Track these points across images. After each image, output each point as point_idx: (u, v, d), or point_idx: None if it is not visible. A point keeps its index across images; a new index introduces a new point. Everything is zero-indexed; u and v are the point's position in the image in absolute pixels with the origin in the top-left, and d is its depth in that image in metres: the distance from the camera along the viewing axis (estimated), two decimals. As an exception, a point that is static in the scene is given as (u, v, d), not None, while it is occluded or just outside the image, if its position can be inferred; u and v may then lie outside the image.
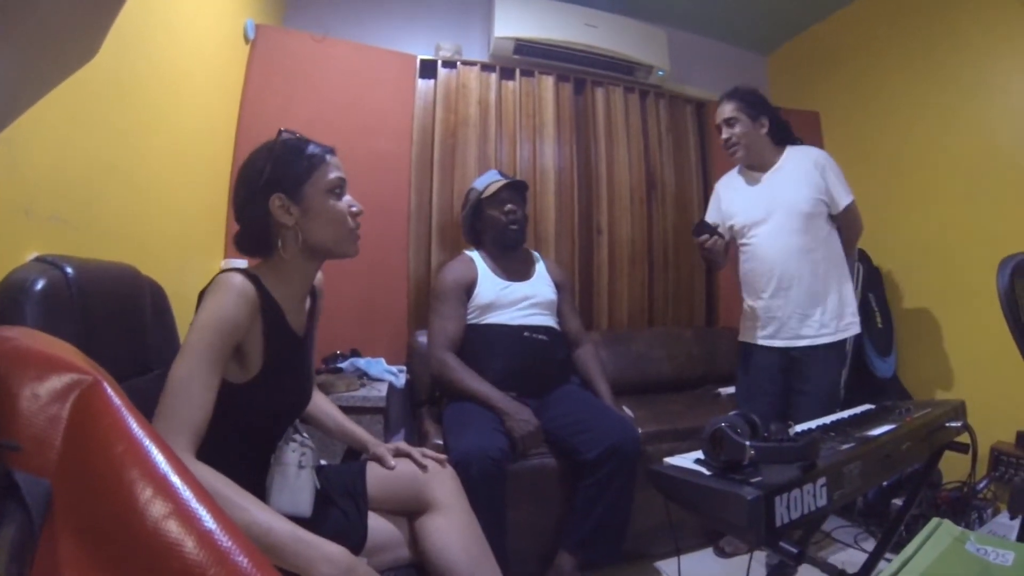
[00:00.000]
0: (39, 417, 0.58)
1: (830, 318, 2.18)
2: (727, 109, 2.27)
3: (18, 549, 0.44)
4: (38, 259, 1.11)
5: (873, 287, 2.35)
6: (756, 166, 2.28)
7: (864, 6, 3.36)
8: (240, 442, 1.18)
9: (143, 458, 0.59)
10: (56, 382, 0.61)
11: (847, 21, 3.50)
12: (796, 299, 2.18)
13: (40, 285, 1.03)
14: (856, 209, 2.27)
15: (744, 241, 2.30)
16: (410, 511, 1.36)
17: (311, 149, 1.28)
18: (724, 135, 2.28)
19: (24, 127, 1.17)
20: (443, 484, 1.37)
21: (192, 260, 1.96)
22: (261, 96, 2.67)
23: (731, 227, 2.32)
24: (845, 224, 2.28)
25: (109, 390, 0.63)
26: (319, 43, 2.85)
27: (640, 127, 3.49)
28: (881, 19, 3.24)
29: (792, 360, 2.21)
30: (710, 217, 2.40)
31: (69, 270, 1.10)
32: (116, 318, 1.23)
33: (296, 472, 1.24)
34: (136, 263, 1.41)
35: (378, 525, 1.33)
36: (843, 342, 2.21)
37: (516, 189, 2.45)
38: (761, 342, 2.26)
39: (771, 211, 2.18)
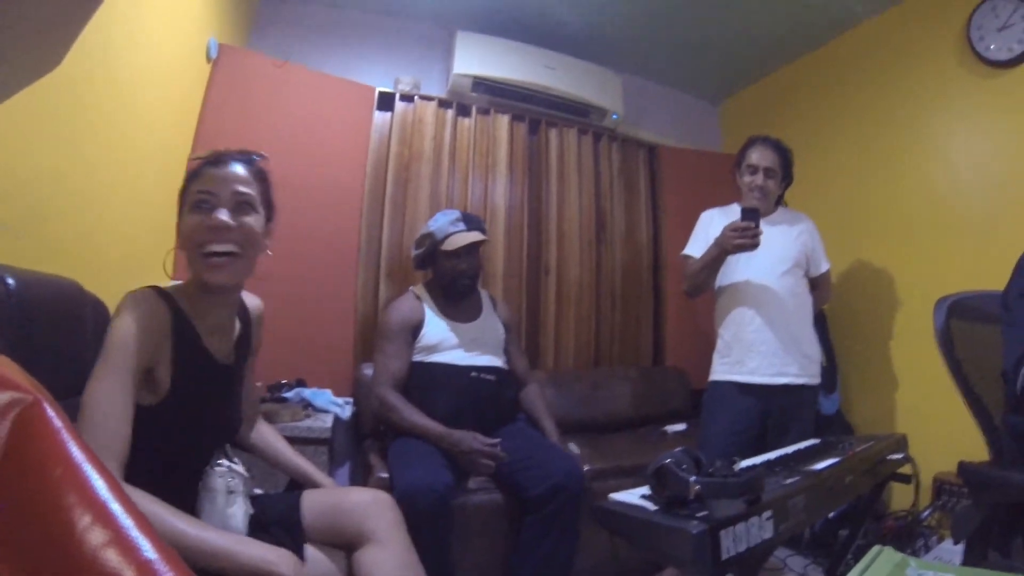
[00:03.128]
0: None
1: (808, 362, 2.27)
2: (769, 158, 2.34)
3: None
4: None
5: (817, 326, 2.43)
6: None
7: (814, 60, 3.51)
8: (162, 468, 1.10)
9: (82, 483, 0.56)
10: None
11: (796, 74, 3.65)
12: (780, 336, 2.23)
13: None
14: (830, 278, 2.46)
15: (731, 275, 2.34)
16: (347, 543, 1.29)
17: (204, 161, 1.20)
18: (759, 181, 2.33)
19: None
20: (382, 515, 1.31)
21: (138, 278, 1.90)
22: (219, 116, 2.62)
23: None
24: (819, 287, 2.44)
25: (50, 410, 0.60)
26: (279, 68, 2.83)
27: (592, 169, 3.54)
28: (829, 72, 3.38)
29: (770, 402, 2.23)
30: (697, 245, 2.41)
31: (10, 281, 1.05)
32: (56, 334, 1.17)
33: (225, 497, 1.17)
34: (79, 278, 1.34)
35: (314, 557, 1.26)
36: (816, 389, 2.30)
37: (476, 244, 2.36)
38: (738, 378, 2.26)
39: (764, 251, 2.17)
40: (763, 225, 2.19)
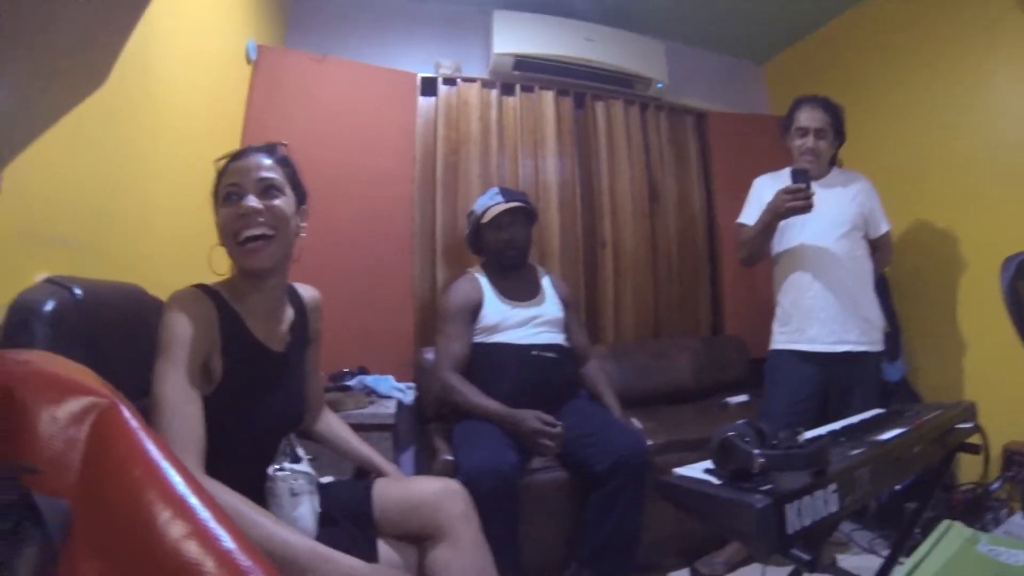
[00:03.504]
0: (57, 440, 0.59)
1: (870, 328, 2.21)
2: (819, 118, 2.27)
3: (39, 570, 0.44)
4: (47, 280, 1.12)
5: (879, 290, 2.36)
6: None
7: (860, 13, 3.36)
8: (225, 460, 1.13)
9: (160, 480, 0.59)
10: (74, 405, 0.61)
11: (843, 28, 3.51)
12: (840, 301, 2.19)
13: (49, 306, 1.04)
14: (891, 239, 2.37)
15: (787, 240, 2.30)
16: (418, 537, 1.31)
17: (230, 158, 1.27)
18: (809, 143, 2.27)
19: (30, 151, 1.18)
20: (452, 508, 1.32)
21: (197, 280, 2.00)
22: (264, 116, 2.68)
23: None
24: (879, 249, 2.37)
25: (126, 413, 0.63)
26: (319, 63, 2.87)
27: (641, 139, 3.50)
28: (879, 25, 3.25)
29: (832, 370, 2.19)
30: (750, 213, 2.37)
31: (77, 291, 1.11)
32: (123, 338, 1.23)
33: (290, 500, 1.21)
34: (142, 283, 1.41)
35: (384, 554, 1.29)
36: (879, 355, 2.24)
37: (515, 213, 2.42)
38: (799, 347, 2.24)
39: (819, 214, 2.14)
40: (817, 187, 2.15)
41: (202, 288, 1.19)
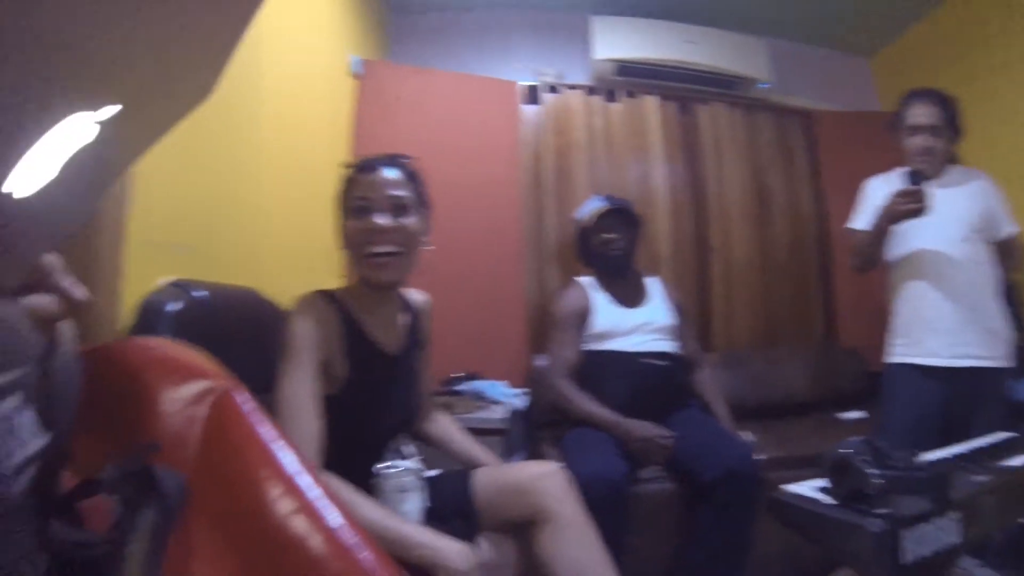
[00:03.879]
0: (178, 418, 0.63)
1: (996, 341, 2.06)
2: (932, 114, 2.12)
3: (156, 532, 0.49)
4: (171, 284, 1.22)
5: (1007, 300, 2.19)
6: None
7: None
8: (341, 456, 1.17)
9: (273, 459, 0.63)
10: (193, 387, 0.66)
11: (957, 11, 3.31)
12: (961, 311, 2.05)
13: (173, 307, 1.13)
14: (1018, 242, 2.18)
15: (903, 246, 2.17)
16: (519, 523, 1.31)
17: (356, 168, 1.31)
18: (922, 143, 2.13)
19: (147, 162, 1.31)
20: (554, 488, 1.32)
21: (310, 284, 2.13)
22: (371, 127, 2.80)
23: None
24: (1005, 253, 2.19)
25: (242, 396, 0.67)
26: (422, 75, 2.97)
27: (747, 142, 3.43)
28: (994, 6, 3.04)
29: (953, 386, 2.05)
30: (863, 217, 2.26)
31: (198, 294, 1.21)
32: (240, 338, 1.30)
33: (398, 497, 1.25)
34: (258, 287, 1.52)
35: (487, 548, 1.28)
36: (1006, 371, 2.08)
37: (615, 215, 2.44)
38: (918, 361, 2.10)
39: (937, 217, 2.01)
40: (933, 188, 2.03)
41: (324, 294, 1.26)
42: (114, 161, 0.58)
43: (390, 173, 1.29)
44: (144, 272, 1.27)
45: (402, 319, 1.43)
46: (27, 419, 0.29)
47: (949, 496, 0.89)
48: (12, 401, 0.28)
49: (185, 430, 0.63)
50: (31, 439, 0.29)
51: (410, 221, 1.28)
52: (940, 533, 0.85)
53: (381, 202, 1.26)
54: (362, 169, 1.30)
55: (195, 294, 1.20)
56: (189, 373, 0.69)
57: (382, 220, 1.24)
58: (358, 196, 1.27)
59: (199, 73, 0.59)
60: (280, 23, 1.95)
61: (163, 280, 1.25)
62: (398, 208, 1.27)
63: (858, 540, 0.83)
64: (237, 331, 1.31)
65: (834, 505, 0.93)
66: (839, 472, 0.94)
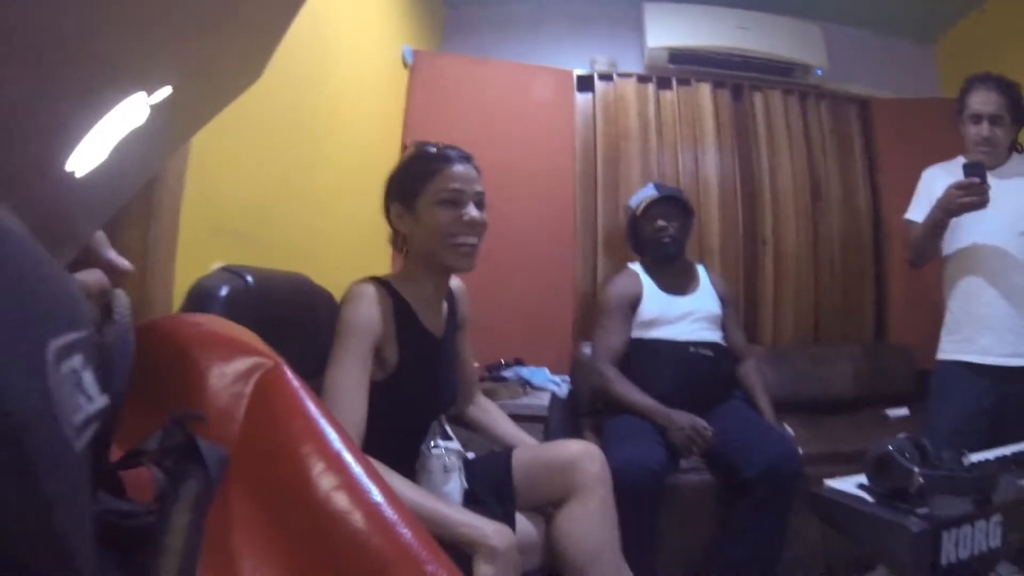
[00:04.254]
0: (224, 393, 0.64)
1: None
2: (993, 101, 2.04)
3: (199, 501, 0.50)
4: (223, 268, 1.25)
5: None
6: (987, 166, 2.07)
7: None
8: (386, 439, 1.20)
9: (318, 435, 0.63)
10: (241, 364, 0.67)
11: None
12: (1019, 309, 1.97)
13: (224, 291, 1.16)
14: None
15: (959, 239, 2.10)
16: (554, 501, 1.33)
17: (431, 160, 1.33)
18: (984, 132, 2.05)
19: (212, 154, 1.35)
20: (590, 467, 1.33)
21: (360, 271, 2.18)
22: (423, 116, 2.84)
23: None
24: None
25: (289, 373, 0.68)
26: (476, 64, 3.01)
27: (802, 131, 3.37)
28: None
29: (1007, 386, 1.98)
30: (920, 208, 2.18)
31: (249, 279, 1.23)
32: (291, 323, 1.34)
33: (442, 477, 1.29)
34: (309, 273, 1.55)
35: (522, 527, 1.32)
36: None
37: (667, 203, 2.44)
38: (969, 358, 2.04)
39: (995, 210, 1.93)
40: (993, 178, 1.95)
41: (378, 281, 1.31)
42: (163, 142, 0.59)
43: (472, 168, 1.36)
44: (198, 258, 1.32)
45: (445, 304, 1.48)
46: (90, 378, 0.29)
47: (992, 499, 0.88)
48: (78, 359, 0.28)
49: (231, 406, 0.64)
50: (93, 399, 0.29)
51: (486, 215, 1.36)
52: (981, 536, 0.84)
53: (472, 196, 1.32)
54: (448, 160, 1.34)
55: (246, 279, 1.23)
56: (238, 349, 0.69)
57: (475, 213, 1.31)
58: (451, 188, 1.31)
59: (248, 57, 0.59)
60: (336, 14, 1.99)
61: (215, 265, 1.28)
62: (480, 202, 1.34)
63: (897, 539, 0.82)
64: (287, 317, 1.35)
65: (875, 503, 0.92)
66: (882, 469, 0.93)
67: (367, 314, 1.23)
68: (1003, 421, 1.97)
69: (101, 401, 0.31)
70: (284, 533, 0.59)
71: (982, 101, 2.05)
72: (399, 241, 1.40)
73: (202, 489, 0.49)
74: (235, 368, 0.66)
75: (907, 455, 0.91)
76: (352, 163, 2.20)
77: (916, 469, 0.88)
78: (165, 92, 0.44)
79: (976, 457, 1.16)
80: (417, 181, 1.33)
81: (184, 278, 1.24)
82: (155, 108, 0.44)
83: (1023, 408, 1.96)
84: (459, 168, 1.33)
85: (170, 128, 0.56)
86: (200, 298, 1.15)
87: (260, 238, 1.61)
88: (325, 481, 0.60)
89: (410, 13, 2.89)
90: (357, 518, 0.59)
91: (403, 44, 2.80)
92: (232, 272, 1.24)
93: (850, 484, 1.01)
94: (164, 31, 0.42)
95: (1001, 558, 0.90)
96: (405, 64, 2.84)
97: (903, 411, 2.84)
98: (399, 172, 1.39)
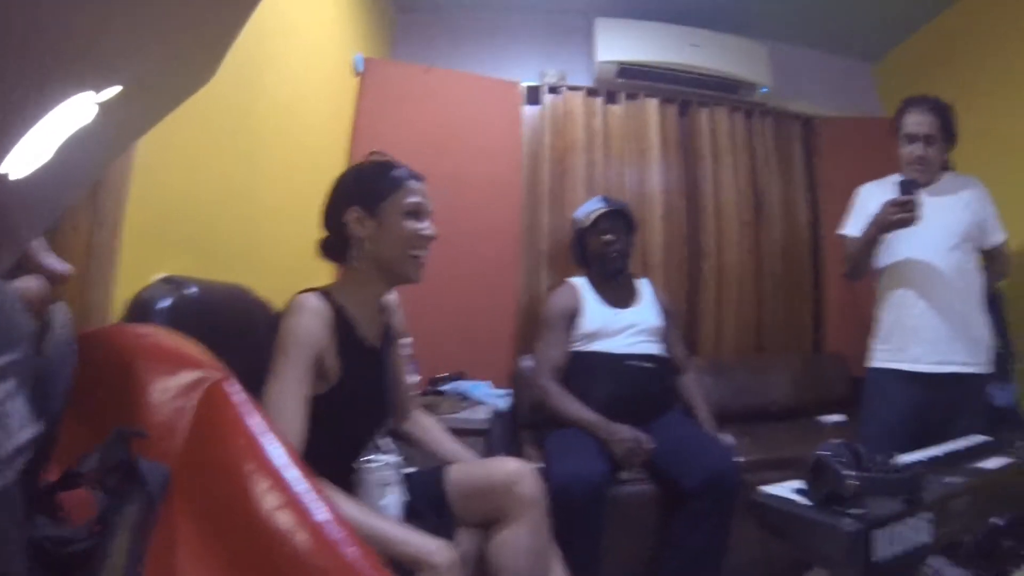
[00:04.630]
0: (167, 407, 0.63)
1: (978, 348, 2.08)
2: (927, 123, 2.13)
3: (139, 525, 0.45)
4: (164, 279, 1.24)
5: (991, 307, 2.21)
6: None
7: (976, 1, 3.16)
8: (326, 453, 1.18)
9: (262, 453, 0.63)
10: (185, 377, 0.66)
11: (957, 19, 3.30)
12: (946, 319, 2.06)
13: (165, 303, 1.15)
14: (1007, 250, 2.21)
15: (893, 254, 2.19)
16: (489, 520, 1.33)
17: (397, 171, 1.36)
18: (918, 151, 2.14)
19: (156, 158, 1.32)
20: (524, 489, 1.32)
21: (301, 283, 2.12)
22: (372, 125, 2.81)
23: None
24: (993, 261, 2.21)
25: (234, 387, 0.67)
26: (426, 74, 2.98)
27: (746, 147, 3.44)
28: (999, 12, 3.02)
29: (935, 392, 2.07)
30: (856, 224, 2.25)
31: (191, 290, 1.22)
32: (231, 336, 1.29)
33: (380, 490, 1.28)
34: (251, 284, 1.54)
35: (461, 539, 1.32)
36: (987, 378, 2.11)
37: (615, 217, 2.46)
38: (900, 366, 2.12)
39: (927, 226, 2.02)
40: (926, 196, 2.03)
41: (320, 293, 1.29)
42: (110, 144, 0.57)
43: (424, 184, 1.39)
44: (141, 266, 1.29)
45: (380, 315, 1.48)
46: (20, 406, 0.28)
47: (922, 497, 0.91)
48: (5, 387, 0.27)
49: (173, 421, 0.63)
50: (22, 428, 0.28)
51: None
52: (912, 533, 0.87)
53: (428, 210, 1.37)
54: (412, 175, 1.38)
55: (186, 291, 1.22)
56: (182, 362, 0.69)
57: (432, 229, 1.36)
58: (416, 201, 1.35)
59: (199, 59, 0.58)
60: (285, 20, 1.97)
61: (157, 275, 1.27)
62: (431, 217, 1.39)
63: (831, 540, 0.84)
64: (227, 329, 1.31)
65: (810, 506, 0.94)
66: (817, 474, 0.95)
67: (309, 327, 1.21)
68: (931, 424, 2.06)
69: (33, 429, 0.30)
70: (227, 552, 0.58)
71: (917, 122, 2.14)
72: (336, 248, 1.39)
73: (143, 511, 0.49)
74: (179, 381, 0.66)
75: (841, 460, 0.93)
76: (298, 171, 2.16)
77: (849, 473, 0.90)
78: (114, 91, 0.43)
79: (906, 459, 1.20)
80: (383, 187, 1.34)
81: (124, 288, 1.21)
82: (103, 108, 0.42)
83: (949, 412, 2.05)
84: (419, 184, 1.37)
85: (118, 129, 0.55)
86: (142, 309, 1.13)
87: (203, 246, 1.58)
88: (269, 500, 0.60)
89: (362, 20, 2.86)
90: (302, 537, 0.59)
91: (354, 51, 2.78)
92: (172, 283, 1.22)
93: (787, 489, 1.03)
94: (114, 27, 0.41)
95: (932, 552, 0.93)
96: (356, 72, 2.81)
97: (839, 417, 2.91)
98: (361, 175, 1.39)
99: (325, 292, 1.31)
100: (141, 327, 0.86)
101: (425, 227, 1.35)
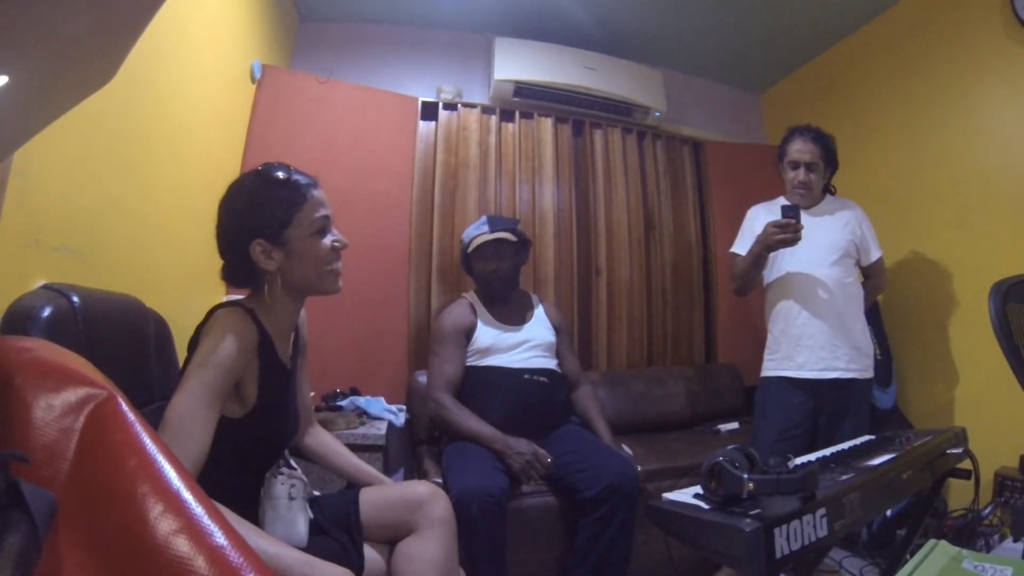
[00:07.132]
0: (52, 428, 0.59)
1: (859, 355, 2.22)
2: (809, 151, 2.29)
3: (22, 558, 0.43)
4: (45, 287, 1.13)
5: (870, 318, 2.38)
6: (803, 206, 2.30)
7: (854, 42, 3.41)
8: (231, 477, 1.16)
9: (155, 473, 0.59)
10: (72, 395, 0.62)
11: (837, 58, 3.55)
12: (829, 328, 2.20)
13: (46, 312, 1.04)
14: (884, 265, 2.40)
15: (778, 269, 2.33)
16: (399, 535, 1.33)
17: (291, 185, 1.24)
18: (801, 177, 2.30)
19: (37, 159, 1.21)
20: (435, 509, 1.34)
21: (195, 294, 1.96)
22: (266, 134, 2.72)
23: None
24: (872, 276, 2.42)
25: (124, 405, 0.63)
26: (323, 84, 2.91)
27: (638, 167, 3.53)
28: (871, 54, 3.28)
29: (821, 397, 2.21)
30: (743, 242, 2.39)
31: (75, 299, 1.12)
32: (120, 348, 1.24)
33: (287, 504, 1.23)
34: (141, 295, 1.43)
35: (371, 556, 1.31)
36: (869, 383, 2.26)
37: (500, 243, 2.42)
38: (788, 374, 2.25)
39: (810, 244, 2.16)
40: (809, 216, 2.20)
41: (243, 308, 1.19)
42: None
43: (321, 189, 1.31)
44: (16, 274, 1.19)
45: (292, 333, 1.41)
46: None
47: (816, 495, 0.93)
48: None
49: (60, 442, 0.58)
50: None
51: None
52: (809, 529, 0.88)
53: (332, 217, 1.30)
54: (309, 185, 1.27)
55: (71, 298, 1.11)
56: (68, 379, 0.64)
57: (341, 237, 1.30)
58: (321, 215, 1.26)
59: (98, 59, 0.54)
60: (180, 20, 1.85)
61: (37, 283, 1.17)
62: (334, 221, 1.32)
63: (734, 540, 0.85)
64: (116, 342, 1.23)
65: (710, 509, 0.95)
66: (714, 478, 0.96)
67: (233, 353, 1.11)
68: (820, 428, 2.20)
69: None
70: (124, 584, 0.54)
71: (800, 149, 2.30)
72: (242, 277, 1.27)
73: (25, 541, 0.45)
74: (65, 400, 0.61)
75: (737, 464, 0.95)
76: (191, 179, 2.05)
77: (745, 476, 0.92)
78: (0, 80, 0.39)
79: (799, 460, 1.22)
80: (284, 212, 1.22)
81: (3, 298, 1.09)
82: None
83: (836, 414, 2.20)
84: (317, 193, 1.28)
85: (5, 126, 0.49)
86: (19, 319, 1.03)
87: (88, 254, 1.45)
88: (164, 524, 0.56)
89: (262, 26, 2.75)
90: (200, 563, 0.55)
91: (253, 57, 2.67)
92: (55, 291, 1.12)
93: (687, 495, 1.04)
94: (11, 26, 0.38)
95: (832, 545, 0.95)
96: (253, 79, 2.70)
97: (733, 425, 3.02)
98: (254, 201, 1.23)
99: (249, 307, 1.21)
100: (21, 339, 0.78)
101: (336, 238, 1.29)
